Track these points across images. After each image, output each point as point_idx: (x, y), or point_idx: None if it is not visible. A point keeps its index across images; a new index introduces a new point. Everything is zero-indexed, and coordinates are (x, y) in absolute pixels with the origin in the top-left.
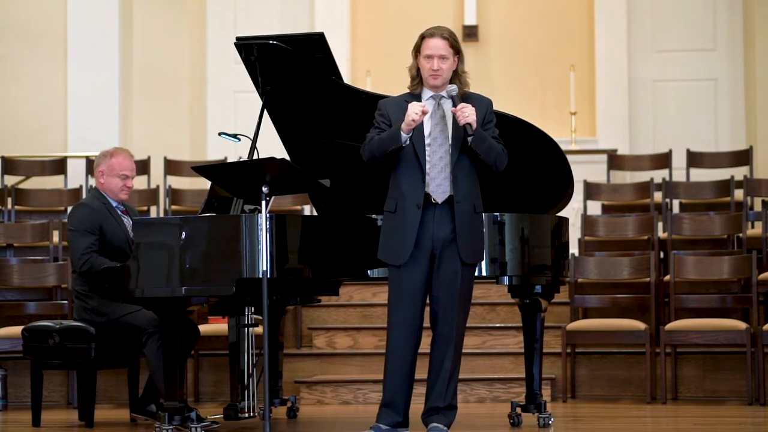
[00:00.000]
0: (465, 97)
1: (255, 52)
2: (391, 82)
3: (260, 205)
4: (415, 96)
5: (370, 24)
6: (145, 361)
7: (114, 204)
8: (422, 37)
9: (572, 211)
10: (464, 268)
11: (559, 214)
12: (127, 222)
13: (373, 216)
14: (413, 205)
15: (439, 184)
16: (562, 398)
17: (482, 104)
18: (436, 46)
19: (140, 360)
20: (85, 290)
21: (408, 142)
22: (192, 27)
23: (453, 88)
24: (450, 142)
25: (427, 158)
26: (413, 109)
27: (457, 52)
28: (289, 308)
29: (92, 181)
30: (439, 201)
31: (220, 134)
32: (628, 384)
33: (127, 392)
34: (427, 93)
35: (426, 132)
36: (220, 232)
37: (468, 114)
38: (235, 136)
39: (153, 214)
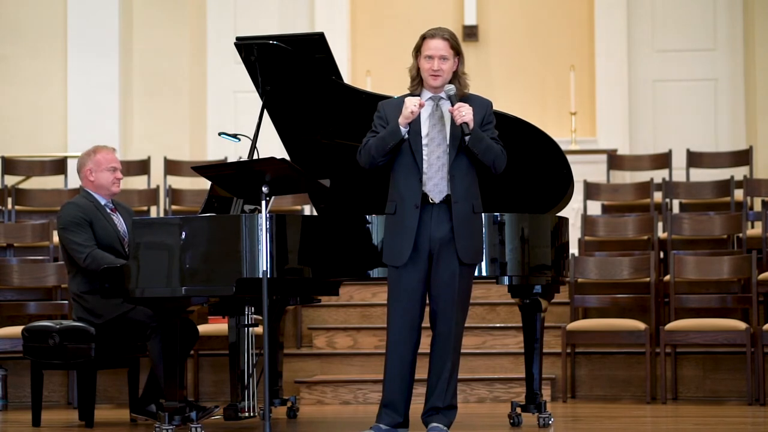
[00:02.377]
0: (465, 98)
1: (255, 52)
2: (391, 83)
3: (260, 205)
4: (414, 97)
5: (370, 24)
6: (146, 360)
7: (103, 202)
8: (423, 38)
9: (572, 211)
10: (462, 268)
11: (559, 214)
12: (117, 219)
13: (367, 217)
14: (411, 206)
15: (436, 183)
16: (562, 398)
17: (482, 105)
18: (436, 46)
19: (140, 360)
20: (81, 292)
21: (407, 136)
22: (192, 27)
23: (450, 88)
24: (447, 142)
25: (424, 158)
26: (410, 102)
27: (458, 53)
28: (289, 308)
29: None
30: (437, 201)
31: (220, 134)
32: (628, 384)
33: (127, 392)
34: (426, 94)
35: (423, 132)
36: (220, 232)
37: (465, 113)
38: (235, 136)
39: (153, 214)
